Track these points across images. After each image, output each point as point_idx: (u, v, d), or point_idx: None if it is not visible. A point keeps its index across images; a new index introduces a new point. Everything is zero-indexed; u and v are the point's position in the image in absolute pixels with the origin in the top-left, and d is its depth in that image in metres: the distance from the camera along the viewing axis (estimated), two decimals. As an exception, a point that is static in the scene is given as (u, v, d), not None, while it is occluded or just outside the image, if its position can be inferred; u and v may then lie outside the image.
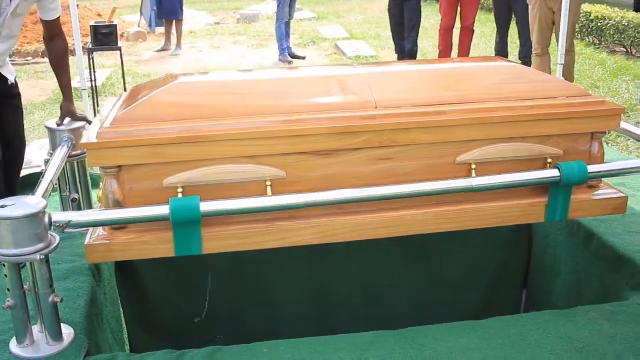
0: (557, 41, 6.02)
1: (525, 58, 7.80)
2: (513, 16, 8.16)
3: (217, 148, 2.08)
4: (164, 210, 1.98)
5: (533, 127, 2.24)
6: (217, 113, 2.13)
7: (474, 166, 2.24)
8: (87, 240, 2.11)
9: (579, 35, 10.56)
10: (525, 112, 2.24)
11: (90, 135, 2.08)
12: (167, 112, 2.11)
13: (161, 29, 11.88)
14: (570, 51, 6.48)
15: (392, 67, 2.68)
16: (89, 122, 2.82)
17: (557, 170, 2.19)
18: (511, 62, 2.68)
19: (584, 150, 2.33)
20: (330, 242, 2.23)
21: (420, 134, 2.18)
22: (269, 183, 2.12)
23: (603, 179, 2.42)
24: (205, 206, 1.99)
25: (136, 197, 2.10)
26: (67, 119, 2.81)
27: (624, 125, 2.77)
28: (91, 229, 2.17)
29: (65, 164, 2.61)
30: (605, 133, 2.39)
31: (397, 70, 2.57)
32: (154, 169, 2.08)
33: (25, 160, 3.06)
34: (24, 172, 3.07)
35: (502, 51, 8.55)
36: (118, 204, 2.09)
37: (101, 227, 2.14)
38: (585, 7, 10.49)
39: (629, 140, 5.68)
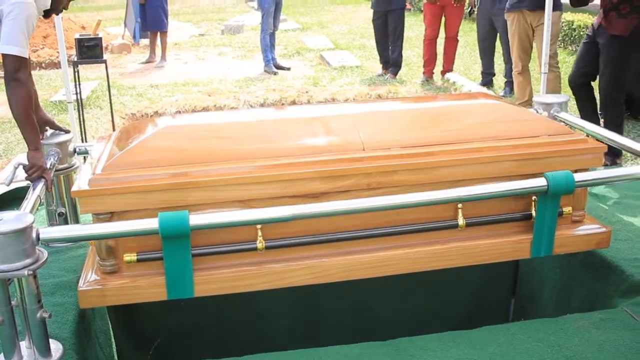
0: (539, 55, 6.04)
1: (511, 77, 7.82)
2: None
3: (207, 193, 2.12)
4: (152, 223, 1.97)
5: (517, 166, 2.30)
6: (206, 158, 2.18)
7: (460, 205, 2.29)
8: (80, 286, 2.14)
9: (562, 43, 10.64)
10: (509, 152, 2.30)
11: (81, 183, 2.10)
12: (158, 158, 2.16)
13: (145, 41, 11.85)
14: (554, 67, 6.46)
15: (378, 107, 2.74)
16: (68, 132, 2.84)
17: (544, 179, 2.21)
18: (495, 98, 2.72)
19: None
20: (322, 282, 2.27)
21: (407, 175, 2.23)
22: (259, 226, 2.15)
23: (587, 214, 2.48)
24: (195, 219, 1.99)
25: (128, 242, 2.13)
26: (48, 130, 2.80)
27: (608, 134, 2.80)
28: (83, 273, 2.20)
29: (52, 177, 2.60)
30: (588, 169, 2.44)
31: (384, 110, 2.62)
32: (146, 214, 2.09)
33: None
34: (10, 187, 3.05)
35: (488, 71, 8.58)
36: (110, 250, 2.13)
37: (93, 272, 2.18)
38: (567, 16, 10.58)
39: (613, 147, 5.71)
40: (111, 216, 2.10)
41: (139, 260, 2.13)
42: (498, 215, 2.35)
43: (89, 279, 2.16)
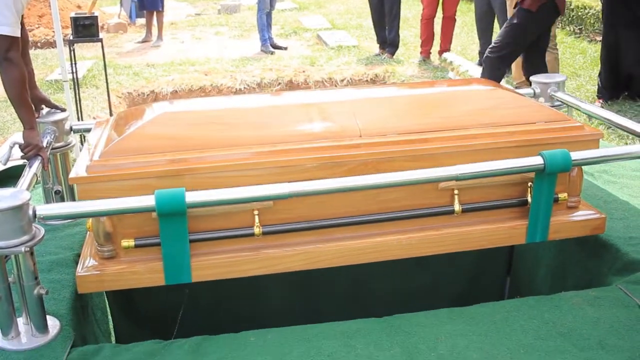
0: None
1: None
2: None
3: (204, 180, 2.12)
4: (149, 200, 1.98)
5: (513, 152, 2.30)
6: (203, 144, 2.19)
7: (456, 191, 2.31)
8: (78, 271, 2.15)
9: (560, 24, 10.61)
10: (506, 139, 2.31)
11: (79, 169, 2.11)
12: (155, 144, 2.17)
13: (142, 21, 11.80)
14: (552, 49, 6.44)
15: (376, 93, 2.73)
16: (64, 110, 2.84)
17: (540, 158, 2.21)
18: (492, 84, 2.71)
19: (564, 174, 2.39)
20: (318, 267, 2.29)
21: (404, 162, 2.24)
22: (256, 212, 2.17)
23: (582, 200, 2.50)
24: (191, 196, 2.00)
25: (126, 227, 2.15)
26: (44, 109, 2.80)
27: (604, 113, 2.81)
28: (82, 258, 2.21)
29: (49, 155, 2.60)
30: None
31: (381, 97, 2.62)
32: None
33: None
34: (7, 166, 3.05)
35: (485, 51, 8.54)
36: (108, 236, 2.14)
37: (92, 257, 2.19)
38: (566, -4, 10.54)
39: (610, 127, 5.73)
40: None
41: (136, 246, 2.15)
42: (494, 201, 2.37)
43: (87, 264, 2.18)
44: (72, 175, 2.11)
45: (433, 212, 2.33)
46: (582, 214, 2.46)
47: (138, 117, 2.34)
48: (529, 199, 2.34)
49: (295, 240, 2.26)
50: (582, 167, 2.45)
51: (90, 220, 2.18)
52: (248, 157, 2.17)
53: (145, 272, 2.16)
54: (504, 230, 2.38)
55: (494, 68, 5.67)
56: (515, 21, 5.49)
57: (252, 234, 2.18)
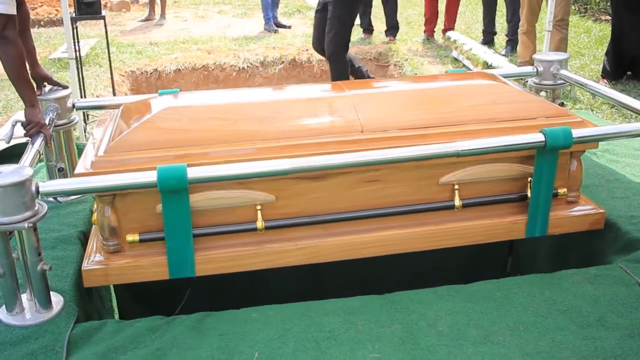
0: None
1: (513, 36, 7.77)
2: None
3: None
4: (151, 176, 1.99)
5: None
6: (206, 139, 2.20)
7: (456, 186, 2.33)
8: (84, 265, 2.18)
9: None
10: (506, 135, 2.30)
11: (85, 164, 2.13)
12: (159, 139, 2.18)
13: (145, -1, 11.75)
14: (563, 28, 6.39)
15: (378, 88, 2.75)
16: (66, 87, 2.86)
17: (541, 135, 2.21)
18: (495, 78, 2.70)
19: (564, 168, 2.42)
20: (319, 262, 2.33)
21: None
22: (259, 207, 2.21)
23: (582, 195, 2.52)
24: (193, 172, 2.01)
25: (130, 222, 2.18)
26: (46, 86, 2.80)
27: (608, 92, 2.80)
28: (87, 253, 2.24)
29: (51, 133, 2.60)
30: (584, 151, 2.49)
31: (383, 92, 2.64)
32: (147, 196, 2.13)
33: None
34: (10, 144, 3.06)
35: (489, 30, 8.51)
36: (113, 230, 2.17)
37: (97, 251, 2.23)
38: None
39: (614, 107, 5.71)
40: (114, 197, 2.13)
41: (141, 241, 2.18)
42: (493, 196, 2.40)
43: (92, 258, 2.21)
44: (78, 170, 2.12)
45: (434, 207, 2.36)
46: (581, 209, 2.49)
47: (143, 112, 2.35)
48: (529, 194, 2.36)
49: (297, 235, 2.29)
50: (581, 160, 2.47)
51: (95, 213, 2.20)
52: (251, 153, 2.19)
53: (150, 266, 2.19)
54: (504, 225, 2.41)
55: (342, 61, 5.79)
56: (334, 11, 5.58)
57: (255, 229, 2.22)
